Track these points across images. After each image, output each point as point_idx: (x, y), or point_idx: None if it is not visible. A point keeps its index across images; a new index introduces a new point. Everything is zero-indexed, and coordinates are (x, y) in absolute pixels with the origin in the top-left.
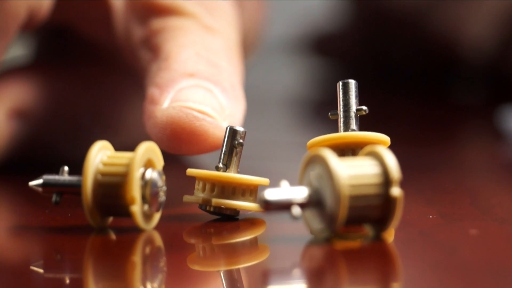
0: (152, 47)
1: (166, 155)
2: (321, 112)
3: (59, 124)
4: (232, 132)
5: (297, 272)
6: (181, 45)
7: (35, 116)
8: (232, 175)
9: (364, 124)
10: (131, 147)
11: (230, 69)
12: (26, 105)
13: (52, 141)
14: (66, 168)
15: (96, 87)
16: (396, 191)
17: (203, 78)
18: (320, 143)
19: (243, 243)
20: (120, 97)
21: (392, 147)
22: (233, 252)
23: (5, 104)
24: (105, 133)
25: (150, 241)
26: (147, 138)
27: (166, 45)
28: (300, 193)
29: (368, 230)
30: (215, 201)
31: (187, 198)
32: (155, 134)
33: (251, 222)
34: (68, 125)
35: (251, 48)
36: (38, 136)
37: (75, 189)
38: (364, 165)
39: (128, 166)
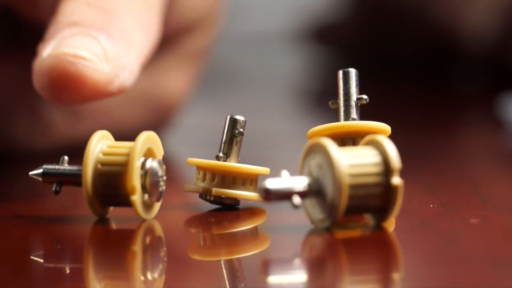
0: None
1: (166, 145)
2: (322, 101)
3: (14, 111)
4: (232, 121)
5: (297, 261)
6: None
7: None
8: (232, 164)
9: (365, 113)
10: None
11: (124, 15)
12: None
13: (6, 128)
14: (66, 157)
15: None
16: (396, 180)
17: (86, 26)
18: (321, 132)
19: (243, 232)
20: None
21: (392, 136)
22: (234, 241)
23: None
24: (69, 118)
25: (150, 231)
26: (112, 123)
27: (61, 4)
28: (300, 182)
29: (368, 219)
30: (216, 190)
31: (187, 187)
32: (37, 84)
33: (251, 211)
34: (23, 112)
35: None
36: None
37: (75, 178)
38: (365, 154)
39: (128, 155)
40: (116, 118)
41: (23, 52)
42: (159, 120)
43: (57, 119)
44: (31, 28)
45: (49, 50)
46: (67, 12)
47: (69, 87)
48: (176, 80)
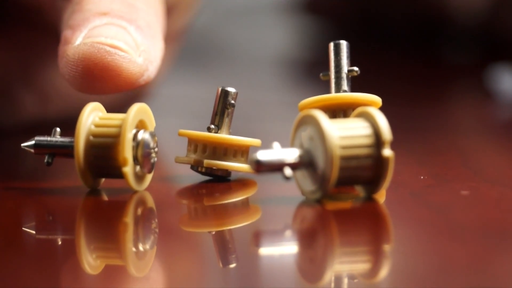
0: None
1: (157, 116)
2: (313, 72)
3: None
4: (224, 93)
5: (288, 233)
6: None
7: None
8: (223, 136)
9: (356, 85)
10: (68, 114)
11: (146, 9)
12: None
13: None
14: (58, 129)
15: (27, 51)
16: (387, 152)
17: (116, 16)
18: (312, 104)
19: (234, 204)
20: (53, 62)
21: (383, 108)
22: (225, 213)
23: None
24: (39, 99)
25: (142, 202)
26: (81, 105)
27: None
28: (291, 154)
29: (359, 191)
30: (207, 162)
31: (179, 159)
32: (67, 73)
33: (242, 183)
34: None
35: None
36: None
37: (67, 150)
38: (356, 126)
39: (120, 127)
40: (84, 98)
41: (1, 30)
42: (130, 98)
43: (26, 101)
44: (13, 5)
45: (81, 38)
46: (94, 1)
47: (104, 77)
48: None
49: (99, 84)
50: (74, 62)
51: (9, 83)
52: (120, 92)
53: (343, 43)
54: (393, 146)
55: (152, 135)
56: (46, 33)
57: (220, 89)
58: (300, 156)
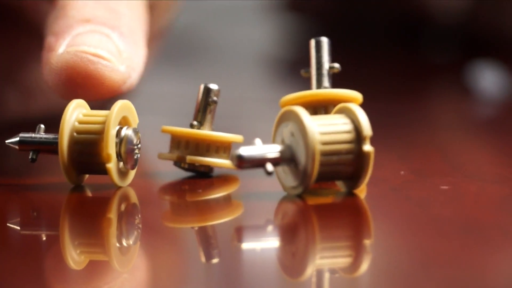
0: None
1: (140, 113)
2: (295, 70)
3: None
4: (206, 90)
5: (270, 228)
6: None
7: None
8: (206, 132)
9: (337, 81)
10: (51, 111)
11: (130, 14)
12: None
13: None
14: (42, 126)
15: (9, 50)
16: (367, 147)
17: (99, 23)
18: (293, 101)
19: (217, 200)
20: (36, 60)
21: (364, 104)
22: (207, 208)
23: None
24: (21, 97)
25: (125, 198)
26: (64, 102)
27: None
28: (273, 150)
29: (340, 186)
30: (190, 158)
31: (162, 155)
32: (51, 80)
33: (225, 179)
34: None
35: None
36: None
37: (51, 147)
38: (336, 122)
39: (104, 124)
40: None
41: None
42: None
43: (9, 98)
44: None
45: (64, 46)
46: (78, 7)
47: (87, 85)
48: None
49: (82, 91)
50: (57, 70)
51: None
52: (101, 99)
53: (324, 40)
54: (373, 141)
55: (135, 131)
56: (29, 33)
57: (202, 86)
58: (281, 152)
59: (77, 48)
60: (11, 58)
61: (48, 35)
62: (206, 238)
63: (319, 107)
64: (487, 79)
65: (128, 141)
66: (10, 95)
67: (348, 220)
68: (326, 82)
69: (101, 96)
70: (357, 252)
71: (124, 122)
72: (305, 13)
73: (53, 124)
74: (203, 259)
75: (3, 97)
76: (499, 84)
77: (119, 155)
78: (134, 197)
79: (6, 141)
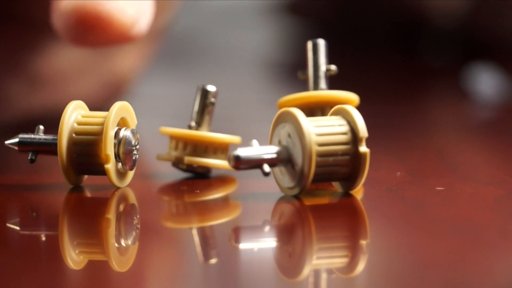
0: None
1: (139, 115)
2: (293, 73)
3: None
4: (204, 92)
5: (267, 228)
6: None
7: None
8: (204, 133)
9: (335, 84)
10: (56, 104)
11: None
12: None
13: None
14: (41, 127)
15: (13, 43)
16: (363, 148)
17: None
18: (290, 102)
19: (215, 200)
20: (39, 53)
21: (361, 106)
22: (205, 209)
23: None
24: (20, 91)
25: (124, 199)
26: (65, 96)
27: None
28: (270, 151)
29: (337, 187)
30: (188, 159)
31: (160, 156)
32: (60, 26)
33: (222, 180)
34: None
35: None
36: None
37: (50, 147)
38: (333, 123)
39: (103, 125)
40: (69, 91)
41: None
42: (110, 93)
43: (12, 92)
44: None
45: None
46: None
47: (96, 27)
48: (129, 59)
49: (92, 35)
50: (66, 14)
51: None
52: (112, 46)
53: (321, 42)
54: (370, 143)
55: (134, 132)
56: (33, 27)
57: (200, 87)
58: (279, 153)
59: None
60: (15, 51)
61: None
62: (204, 238)
63: (315, 109)
64: (485, 81)
65: (127, 142)
66: (13, 89)
67: (344, 221)
68: (323, 84)
69: (111, 40)
70: (354, 252)
71: (122, 123)
72: (303, 16)
73: (52, 125)
74: (201, 259)
75: (6, 92)
76: (497, 87)
77: (117, 156)
78: (132, 198)
79: (6, 142)
